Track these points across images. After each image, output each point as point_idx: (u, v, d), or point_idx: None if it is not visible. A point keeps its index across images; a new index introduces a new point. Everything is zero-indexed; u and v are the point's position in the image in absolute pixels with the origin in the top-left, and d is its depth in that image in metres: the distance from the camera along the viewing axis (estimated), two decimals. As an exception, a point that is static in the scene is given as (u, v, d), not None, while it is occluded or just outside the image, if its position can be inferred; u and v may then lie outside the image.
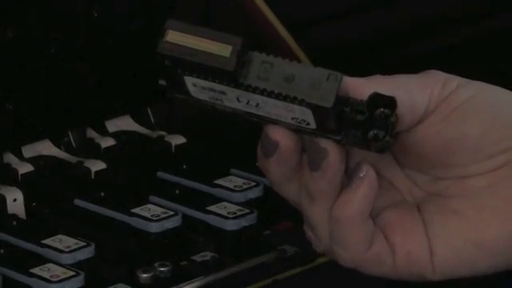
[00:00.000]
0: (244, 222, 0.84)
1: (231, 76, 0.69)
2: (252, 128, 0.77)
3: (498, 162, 0.78)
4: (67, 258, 0.78)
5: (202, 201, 0.87)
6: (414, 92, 0.76)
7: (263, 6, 1.10)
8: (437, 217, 0.79)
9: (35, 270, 0.77)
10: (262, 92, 0.63)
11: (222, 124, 1.01)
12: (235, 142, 1.00)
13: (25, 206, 0.87)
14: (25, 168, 0.90)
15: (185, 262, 0.80)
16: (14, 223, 0.85)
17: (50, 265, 0.78)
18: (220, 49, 0.74)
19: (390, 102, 0.74)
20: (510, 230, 0.77)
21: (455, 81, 0.69)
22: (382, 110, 0.73)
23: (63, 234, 0.81)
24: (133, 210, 0.85)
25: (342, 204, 0.64)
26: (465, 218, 0.77)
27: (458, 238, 0.78)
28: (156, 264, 0.78)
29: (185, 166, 0.93)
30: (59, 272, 0.77)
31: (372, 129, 0.73)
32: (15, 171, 0.90)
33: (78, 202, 0.88)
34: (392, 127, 0.74)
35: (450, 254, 0.77)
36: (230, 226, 0.84)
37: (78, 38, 1.02)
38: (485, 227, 0.72)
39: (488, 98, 0.70)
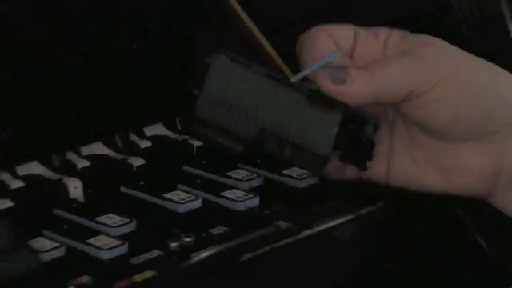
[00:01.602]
0: (249, 204, 0.91)
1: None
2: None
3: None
4: (115, 231, 0.86)
5: (217, 188, 0.94)
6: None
7: (243, 14, 1.12)
8: (401, 142, 0.87)
9: (91, 241, 0.84)
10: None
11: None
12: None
13: (83, 192, 0.94)
14: (83, 163, 0.97)
15: (204, 234, 0.87)
16: (75, 205, 0.92)
17: (102, 236, 0.85)
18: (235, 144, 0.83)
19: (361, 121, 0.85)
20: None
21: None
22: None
23: (112, 213, 0.88)
24: (165, 195, 0.92)
25: None
26: (422, 147, 0.86)
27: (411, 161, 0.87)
28: (182, 235, 0.85)
29: (204, 162, 1.00)
30: (109, 242, 0.84)
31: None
32: (75, 166, 0.97)
33: (123, 189, 0.95)
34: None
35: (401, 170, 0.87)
36: (239, 207, 0.91)
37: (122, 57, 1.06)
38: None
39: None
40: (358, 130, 0.85)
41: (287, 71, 1.09)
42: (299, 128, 0.85)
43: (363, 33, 0.88)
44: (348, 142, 0.85)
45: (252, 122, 0.87)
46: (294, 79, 0.85)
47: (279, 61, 1.10)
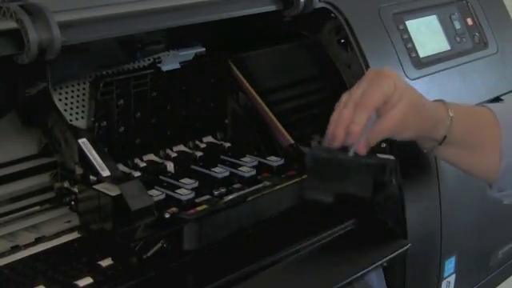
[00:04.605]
0: (249, 174, 1.12)
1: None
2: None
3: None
4: (187, 186, 1.06)
5: (237, 166, 1.14)
6: (383, 89, 0.95)
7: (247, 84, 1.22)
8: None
9: (177, 191, 1.04)
10: None
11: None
12: (246, 142, 1.22)
13: (174, 169, 1.14)
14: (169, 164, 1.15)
15: (230, 188, 1.08)
16: (169, 174, 1.11)
17: (182, 189, 1.05)
18: None
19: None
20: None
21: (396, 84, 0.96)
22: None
23: (188, 178, 1.08)
24: (212, 169, 1.13)
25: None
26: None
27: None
28: (220, 188, 1.07)
29: (230, 154, 1.18)
30: (185, 192, 1.05)
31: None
32: (170, 155, 1.16)
33: (193, 167, 1.15)
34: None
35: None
36: (247, 174, 1.12)
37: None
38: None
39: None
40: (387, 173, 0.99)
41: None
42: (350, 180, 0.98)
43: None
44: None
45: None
46: (351, 153, 0.98)
47: (270, 113, 1.21)
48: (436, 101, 1.03)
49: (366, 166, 0.97)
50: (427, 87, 1.23)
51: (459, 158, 1.05)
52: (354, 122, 0.95)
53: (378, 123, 0.96)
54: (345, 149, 0.97)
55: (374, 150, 1.01)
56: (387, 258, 1.10)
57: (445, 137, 1.01)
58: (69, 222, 1.04)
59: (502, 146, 0.98)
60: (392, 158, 1.01)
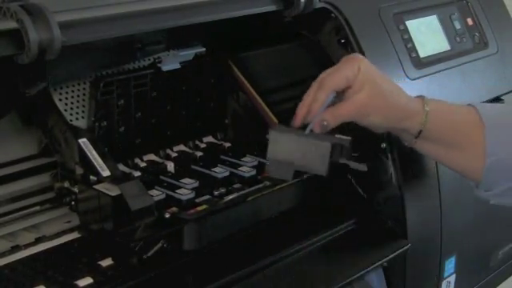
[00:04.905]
0: (251, 173, 1.12)
1: None
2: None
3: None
4: (188, 186, 1.06)
5: (237, 166, 1.14)
6: (345, 71, 0.97)
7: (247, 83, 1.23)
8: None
9: (177, 191, 1.04)
10: None
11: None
12: (246, 142, 1.22)
13: (174, 169, 1.14)
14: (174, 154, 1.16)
15: (230, 188, 1.08)
16: (170, 174, 1.11)
17: (182, 189, 1.05)
18: None
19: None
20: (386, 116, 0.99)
21: (363, 67, 0.97)
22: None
23: (188, 178, 1.08)
24: (211, 169, 1.13)
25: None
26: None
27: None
28: (219, 188, 1.07)
29: (230, 154, 1.19)
30: (185, 192, 1.05)
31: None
32: (170, 155, 1.16)
33: (193, 167, 1.15)
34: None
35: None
36: (247, 174, 1.12)
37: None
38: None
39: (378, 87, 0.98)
40: (343, 152, 0.99)
41: (273, 117, 1.19)
42: (308, 157, 0.99)
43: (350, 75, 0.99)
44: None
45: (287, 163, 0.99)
46: (307, 131, 0.99)
47: (270, 113, 1.21)
48: (417, 96, 1.03)
49: (322, 145, 0.97)
50: (427, 87, 1.22)
51: (439, 153, 1.05)
52: (313, 101, 0.98)
53: (339, 106, 0.98)
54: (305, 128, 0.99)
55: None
56: (387, 258, 1.10)
57: (420, 131, 1.01)
58: (69, 222, 1.04)
59: (486, 145, 0.98)
60: (349, 138, 1.00)
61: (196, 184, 1.08)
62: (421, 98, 1.03)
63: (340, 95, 1.00)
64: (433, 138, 1.02)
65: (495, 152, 0.98)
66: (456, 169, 1.06)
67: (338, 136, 1.01)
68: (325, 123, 0.98)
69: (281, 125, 1.11)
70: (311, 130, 0.99)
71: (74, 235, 1.01)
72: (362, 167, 1.02)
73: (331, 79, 0.98)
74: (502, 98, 1.37)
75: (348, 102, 0.99)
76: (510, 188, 1.00)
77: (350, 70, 0.98)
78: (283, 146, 0.99)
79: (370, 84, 0.98)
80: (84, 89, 1.08)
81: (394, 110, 1.00)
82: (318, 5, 1.13)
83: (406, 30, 1.27)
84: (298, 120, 1.00)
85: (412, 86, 1.12)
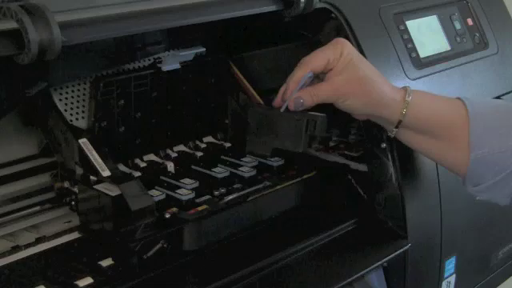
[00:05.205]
0: (251, 173, 1.13)
1: None
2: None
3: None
4: (188, 187, 1.07)
5: (237, 166, 1.15)
6: (327, 53, 0.99)
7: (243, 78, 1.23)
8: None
9: (177, 191, 1.05)
10: None
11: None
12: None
13: (174, 169, 1.15)
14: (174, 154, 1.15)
15: (230, 188, 1.08)
16: (170, 174, 1.12)
17: (182, 189, 1.06)
18: None
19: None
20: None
21: (346, 52, 0.98)
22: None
23: (188, 178, 1.09)
24: (212, 169, 1.14)
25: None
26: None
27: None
28: (219, 188, 1.07)
29: (230, 154, 1.19)
30: (185, 192, 1.05)
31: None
32: (170, 156, 1.16)
33: (193, 167, 1.16)
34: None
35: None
36: (247, 175, 1.13)
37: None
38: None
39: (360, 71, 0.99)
40: (317, 128, 1.01)
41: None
42: (283, 134, 1.02)
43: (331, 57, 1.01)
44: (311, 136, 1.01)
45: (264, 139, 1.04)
46: (282, 108, 1.02)
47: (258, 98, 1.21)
48: (403, 87, 1.04)
49: (296, 121, 1.00)
50: (427, 87, 1.21)
51: (421, 144, 1.04)
52: (291, 79, 1.01)
53: (316, 86, 1.00)
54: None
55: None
56: (387, 258, 1.09)
57: (400, 121, 1.01)
58: (69, 221, 1.04)
59: (471, 138, 0.97)
60: (323, 115, 1.01)
61: (196, 184, 1.09)
62: (405, 88, 1.03)
63: (322, 77, 1.01)
64: (414, 128, 1.02)
65: (480, 145, 0.97)
66: (440, 161, 1.06)
67: (312, 113, 1.01)
68: (300, 101, 0.99)
69: (261, 104, 1.13)
70: (287, 108, 1.01)
71: (74, 235, 1.01)
72: (362, 167, 1.04)
73: (310, 59, 1.00)
74: (502, 98, 1.37)
75: (326, 83, 1.00)
76: (495, 183, 0.98)
77: (332, 52, 0.99)
78: (260, 124, 1.02)
79: (350, 69, 0.99)
80: (84, 89, 1.07)
81: (372, 97, 1.00)
82: (318, 5, 1.12)
83: (406, 30, 1.26)
84: (277, 98, 1.02)
85: (412, 86, 1.08)
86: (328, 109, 1.04)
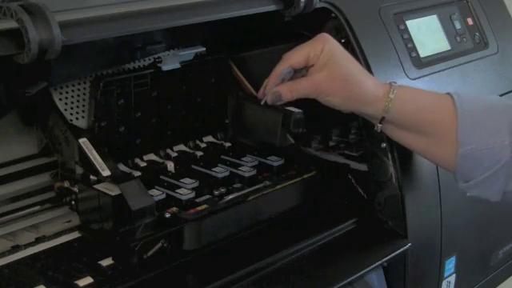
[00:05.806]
0: (251, 173, 1.13)
1: None
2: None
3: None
4: (188, 186, 1.07)
5: (237, 166, 1.15)
6: (306, 50, 1.00)
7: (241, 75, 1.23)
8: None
9: (177, 190, 1.04)
10: None
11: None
12: (247, 146, 1.21)
13: (174, 168, 1.14)
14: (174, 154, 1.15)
15: (230, 188, 1.09)
16: (170, 174, 1.11)
17: (183, 189, 1.05)
18: None
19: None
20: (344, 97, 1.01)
21: (327, 48, 0.99)
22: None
23: (188, 178, 1.08)
24: (212, 169, 1.13)
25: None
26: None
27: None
28: (219, 188, 1.08)
29: (230, 154, 1.19)
30: (185, 192, 1.05)
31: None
32: (170, 155, 1.16)
33: (193, 167, 1.15)
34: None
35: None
36: (247, 173, 1.13)
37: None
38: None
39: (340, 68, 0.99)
40: (292, 123, 1.03)
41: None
42: (262, 127, 1.06)
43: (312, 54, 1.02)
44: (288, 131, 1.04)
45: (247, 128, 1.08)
46: (262, 102, 1.06)
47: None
48: (390, 83, 1.03)
49: (273, 115, 1.02)
50: (427, 87, 1.21)
51: (408, 140, 1.04)
52: (271, 74, 1.03)
53: (296, 81, 1.01)
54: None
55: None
56: (387, 257, 1.09)
57: (383, 117, 1.02)
58: (69, 221, 1.04)
59: (459, 133, 0.97)
60: (299, 111, 1.03)
61: (196, 184, 1.08)
62: (388, 83, 1.03)
63: (304, 73, 1.03)
64: (400, 124, 1.02)
65: (468, 141, 0.97)
66: (428, 157, 1.05)
67: (290, 108, 1.03)
68: (279, 95, 1.02)
69: (248, 97, 1.15)
70: (266, 102, 1.03)
71: (74, 235, 1.01)
72: (362, 167, 1.05)
73: (291, 55, 1.02)
74: (502, 97, 1.35)
75: (306, 79, 1.01)
76: (485, 179, 0.98)
77: (313, 49, 1.00)
78: (246, 115, 1.07)
79: (331, 65, 1.00)
80: (84, 88, 1.07)
81: (353, 93, 1.01)
82: (318, 5, 1.12)
83: (407, 30, 1.26)
84: (260, 91, 1.05)
85: (412, 86, 1.12)
86: (326, 107, 1.04)
